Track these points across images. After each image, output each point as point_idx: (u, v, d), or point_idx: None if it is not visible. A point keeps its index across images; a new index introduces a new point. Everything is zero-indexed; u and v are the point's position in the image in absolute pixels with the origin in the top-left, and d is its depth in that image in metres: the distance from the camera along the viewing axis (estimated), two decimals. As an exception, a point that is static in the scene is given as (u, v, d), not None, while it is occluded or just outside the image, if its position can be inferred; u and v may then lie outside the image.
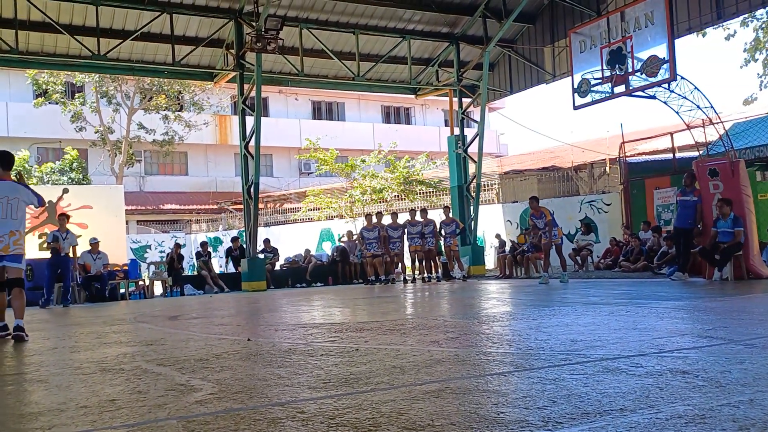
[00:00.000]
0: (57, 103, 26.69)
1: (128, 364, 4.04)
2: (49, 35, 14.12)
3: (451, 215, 15.61)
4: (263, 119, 15.87)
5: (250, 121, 14.95)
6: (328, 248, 21.42)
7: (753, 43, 21.62)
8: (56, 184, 22.87)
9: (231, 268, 17.29)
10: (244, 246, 15.86)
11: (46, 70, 23.99)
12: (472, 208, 17.58)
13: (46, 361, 4.48)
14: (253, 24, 13.80)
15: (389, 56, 17.20)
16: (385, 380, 3.12)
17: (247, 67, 15.04)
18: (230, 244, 17.51)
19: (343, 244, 17.78)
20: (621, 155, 16.57)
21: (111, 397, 3.01)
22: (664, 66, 12.85)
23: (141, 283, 16.13)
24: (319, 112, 38.33)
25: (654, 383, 2.80)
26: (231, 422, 2.43)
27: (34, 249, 13.41)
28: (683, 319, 5.43)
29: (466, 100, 18.31)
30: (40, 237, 14.74)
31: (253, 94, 14.62)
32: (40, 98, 26.66)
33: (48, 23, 13.57)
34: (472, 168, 17.88)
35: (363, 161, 23.59)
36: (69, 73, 24.75)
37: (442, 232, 14.78)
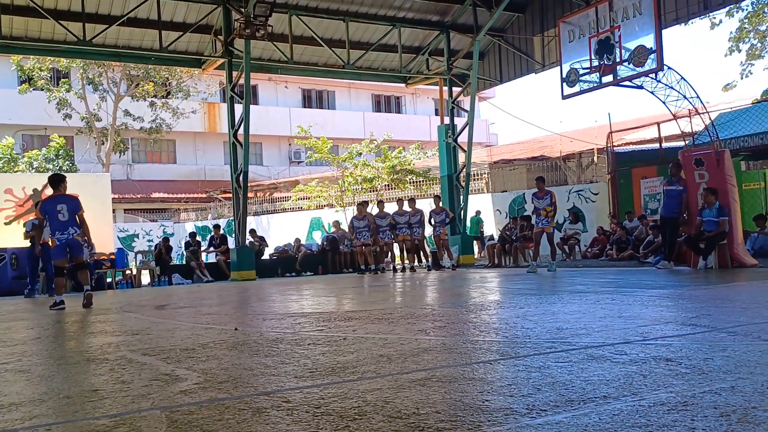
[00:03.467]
0: (42, 90, 26.39)
1: (113, 354, 4.02)
2: (34, 20, 13.92)
3: (441, 204, 15.61)
4: (252, 107, 15.76)
5: (239, 108, 14.85)
6: (318, 237, 21.40)
7: (738, 32, 21.70)
8: (42, 172, 22.65)
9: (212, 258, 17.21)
10: (226, 236, 15.79)
11: (31, 56, 23.69)
12: (461, 197, 17.59)
13: (29, 350, 4.45)
14: (242, 10, 13.67)
15: (379, 44, 17.12)
16: (372, 369, 3.12)
17: (236, 53, 14.91)
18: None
19: (333, 234, 17.77)
20: (609, 145, 16.62)
21: (94, 387, 2.99)
22: (652, 56, 12.86)
23: (128, 272, 16.04)
24: (310, 100, 38.16)
25: (638, 371, 2.82)
26: (215, 412, 2.43)
27: (18, 238, 13.29)
28: (668, 307, 5.46)
29: (456, 89, 18.27)
30: (24, 226, 14.61)
31: (242, 81, 14.50)
32: (24, 84, 26.33)
33: (32, 8, 13.38)
34: (462, 157, 17.87)
35: (359, 153, 23.48)
36: (54, 59, 24.45)
37: (432, 221, 14.78)
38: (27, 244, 12.37)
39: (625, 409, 2.23)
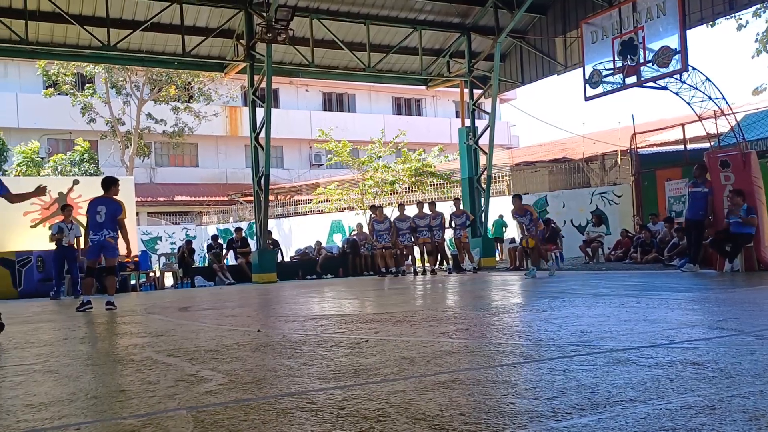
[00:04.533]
0: (67, 95, 26.80)
1: (138, 355, 4.07)
2: (59, 26, 14.14)
3: (461, 207, 15.57)
4: (274, 111, 15.86)
5: (260, 112, 14.95)
6: (338, 240, 21.46)
7: (765, 33, 21.34)
8: (67, 176, 23.01)
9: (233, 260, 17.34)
10: (247, 238, 15.88)
11: (56, 61, 24.07)
12: (482, 199, 17.52)
13: (56, 351, 4.51)
14: (264, 14, 13.77)
15: (400, 47, 17.13)
16: (395, 371, 3.12)
17: (258, 57, 15.02)
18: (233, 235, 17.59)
19: (354, 236, 17.80)
20: (632, 147, 16.44)
21: (121, 388, 3.03)
22: (676, 57, 12.72)
23: (152, 274, 16.22)
24: (330, 103, 38.31)
25: (664, 374, 2.79)
26: (241, 412, 2.44)
27: (44, 241, 13.50)
28: (694, 311, 5.39)
29: (477, 92, 18.22)
30: (50, 228, 14.84)
31: (263, 85, 14.60)
32: (50, 89, 26.77)
33: (58, 13, 13.60)
34: (483, 159, 17.81)
35: (378, 156, 23.47)
36: (79, 64, 24.83)
37: (453, 223, 14.75)
38: (53, 246, 12.56)
39: (652, 413, 2.20)
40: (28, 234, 15.26)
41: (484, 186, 17.44)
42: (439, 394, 2.59)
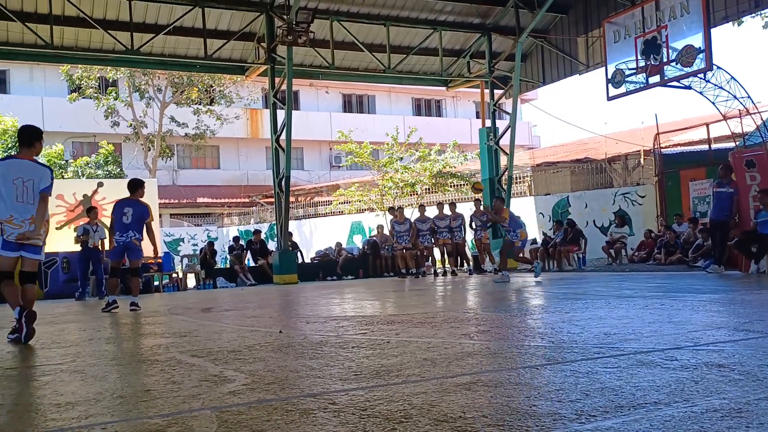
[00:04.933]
0: (91, 98, 27.18)
1: (163, 355, 4.11)
2: (83, 30, 14.36)
3: (482, 208, 15.51)
4: (294, 112, 15.95)
5: (281, 114, 15.04)
6: (359, 241, 21.50)
7: (793, 30, 20.97)
8: (91, 178, 23.33)
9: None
10: (265, 240, 15.95)
11: (79, 65, 24.42)
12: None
13: (82, 351, 4.58)
14: (285, 17, 13.86)
15: (420, 48, 17.12)
16: (416, 372, 3.12)
17: (278, 60, 15.11)
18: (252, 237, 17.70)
19: (374, 238, 17.82)
20: (656, 146, 16.27)
21: (146, 388, 3.06)
22: (700, 56, 12.56)
23: (174, 275, 16.39)
24: (350, 104, 38.41)
25: (689, 377, 2.76)
26: (264, 413, 2.46)
27: (69, 242, 13.71)
28: (719, 312, 5.32)
29: (497, 92, 18.15)
30: (75, 230, 15.07)
31: (284, 87, 14.69)
32: (74, 93, 27.16)
33: (82, 18, 13.80)
34: (503, 160, 17.74)
35: (400, 158, 23.47)
36: (102, 67, 25.16)
37: (473, 225, 14.70)
38: (78, 248, 12.75)
39: (677, 416, 2.18)
40: (53, 235, 15.49)
41: (505, 187, 17.35)
42: (461, 396, 2.58)
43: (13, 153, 23.11)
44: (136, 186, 8.54)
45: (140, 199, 8.52)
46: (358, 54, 16.77)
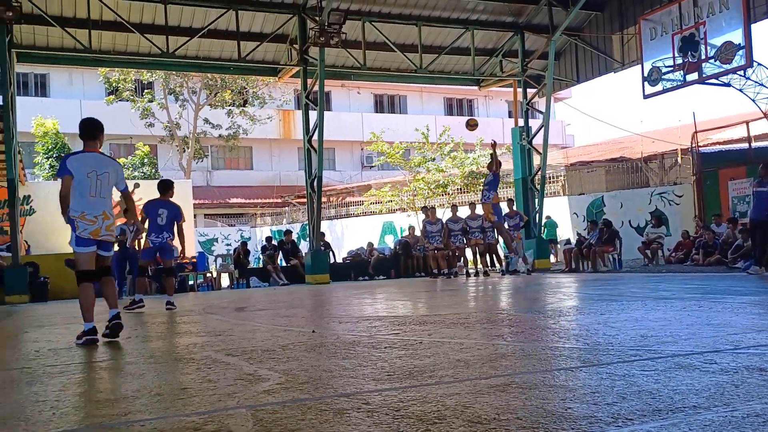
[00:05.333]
0: (127, 101, 27.72)
1: (198, 354, 4.17)
2: (120, 34, 14.64)
3: (515, 208, 15.39)
4: (326, 113, 16.04)
5: (313, 115, 15.14)
6: (390, 241, 21.52)
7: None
8: (128, 179, 23.74)
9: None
10: (296, 241, 16.06)
11: (116, 69, 24.92)
12: (536, 200, 17.28)
13: (120, 349, 4.67)
14: (317, 18, 13.95)
15: (452, 47, 17.05)
16: (450, 373, 3.11)
17: (311, 61, 15.21)
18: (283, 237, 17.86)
19: (405, 238, 17.82)
20: (693, 145, 15.95)
21: (183, 386, 3.11)
22: (740, 52, 12.28)
23: (209, 275, 16.62)
24: (381, 105, 38.46)
25: (729, 380, 2.69)
26: (298, 411, 2.48)
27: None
28: (760, 315, 5.19)
29: (531, 91, 17.99)
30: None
31: (316, 88, 14.78)
32: (111, 96, 27.73)
33: (119, 22, 14.08)
34: (536, 160, 17.56)
35: (432, 159, 23.42)
36: (138, 70, 25.63)
37: (506, 225, 14.59)
38: (116, 248, 12.99)
39: (716, 420, 2.13)
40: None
41: (538, 187, 17.19)
42: (495, 398, 2.57)
43: (56, 154, 23.72)
44: (167, 187, 8.68)
45: (170, 199, 8.66)
46: (389, 54, 16.78)
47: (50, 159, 24.72)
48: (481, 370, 3.17)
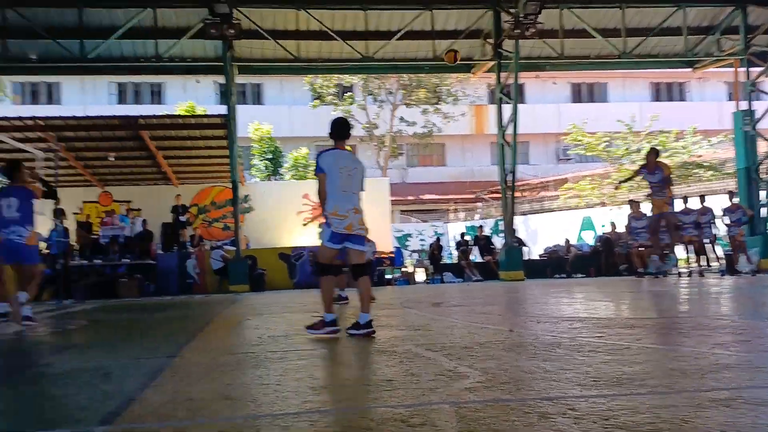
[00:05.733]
0: (330, 104, 29.56)
1: (400, 347, 4.31)
2: (325, 42, 15.63)
3: (736, 201, 13.88)
4: (520, 106, 15.75)
5: (506, 109, 14.95)
6: (589, 238, 20.56)
7: None
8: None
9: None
10: (490, 236, 15.94)
11: (320, 75, 26.69)
12: (763, 192, 15.41)
13: (336, 340, 4.97)
14: (512, 11, 13.74)
15: (661, 28, 15.81)
16: (663, 383, 2.88)
17: (505, 55, 15.03)
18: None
19: (607, 234, 16.91)
20: None
21: (387, 377, 3.23)
22: None
23: (404, 270, 17.17)
24: (579, 94, 36.84)
25: None
26: (500, 412, 2.45)
27: (315, 237, 15.02)
28: None
29: (754, 70, 16.09)
30: (319, 227, 16.48)
31: (510, 81, 14.57)
32: (316, 101, 29.76)
33: (323, 31, 15.04)
34: (762, 146, 15.67)
35: (637, 150, 21.99)
36: (340, 75, 27.20)
37: (726, 220, 13.22)
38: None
39: None
40: (300, 231, 17.15)
41: (765, 177, 15.34)
42: (718, 413, 2.32)
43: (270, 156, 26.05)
44: None
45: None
46: (588, 41, 16.01)
47: (264, 161, 27.23)
48: (700, 381, 2.90)
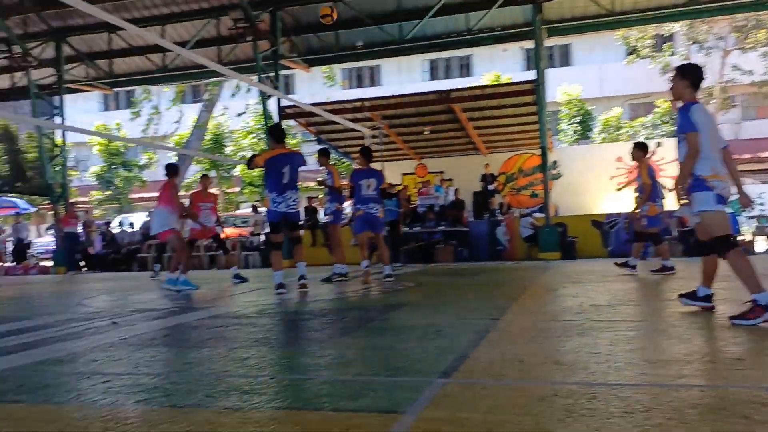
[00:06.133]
0: (647, 58, 27.25)
1: (743, 328, 3.80)
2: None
3: None
4: None
5: None
6: None
7: None
8: (649, 138, 23.49)
9: None
10: None
11: (633, 29, 24.68)
12: None
13: (659, 313, 4.62)
14: None
15: None
16: None
17: None
18: None
19: None
20: None
21: (737, 356, 2.89)
22: None
23: (740, 238, 15.13)
24: None
25: None
26: None
27: (630, 203, 14.06)
28: None
29: None
30: (635, 191, 15.36)
31: None
32: (630, 56, 27.69)
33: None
34: None
35: None
36: (658, 25, 24.80)
37: None
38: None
39: None
40: (613, 197, 16.26)
41: None
42: None
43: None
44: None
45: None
46: None
47: (573, 125, 26.38)
48: None
